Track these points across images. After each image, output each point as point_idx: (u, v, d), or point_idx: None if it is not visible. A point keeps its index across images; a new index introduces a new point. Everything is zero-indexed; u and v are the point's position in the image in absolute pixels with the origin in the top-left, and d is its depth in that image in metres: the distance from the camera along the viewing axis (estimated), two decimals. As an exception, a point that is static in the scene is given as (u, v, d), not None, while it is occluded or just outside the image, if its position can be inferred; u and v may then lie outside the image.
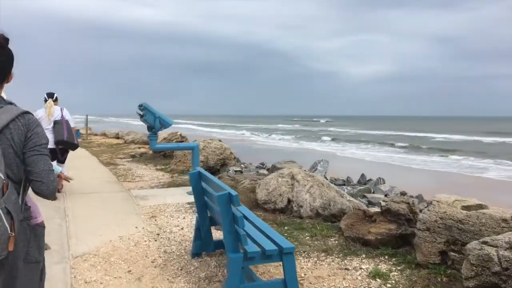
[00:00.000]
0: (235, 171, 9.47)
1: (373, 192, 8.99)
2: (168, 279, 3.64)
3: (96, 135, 24.95)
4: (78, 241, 4.59)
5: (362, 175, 11.80)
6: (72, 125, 6.86)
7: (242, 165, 11.27)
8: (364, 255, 4.14)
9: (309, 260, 4.07)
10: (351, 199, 5.98)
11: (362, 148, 30.28)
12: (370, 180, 11.35)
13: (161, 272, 3.78)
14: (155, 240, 4.66)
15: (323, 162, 10.09)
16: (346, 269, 3.84)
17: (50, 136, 6.41)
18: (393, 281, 3.54)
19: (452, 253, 3.53)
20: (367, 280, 3.59)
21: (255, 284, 3.29)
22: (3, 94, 1.94)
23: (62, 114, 6.77)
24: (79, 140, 7.68)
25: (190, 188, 6.98)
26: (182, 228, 5.12)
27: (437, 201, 3.78)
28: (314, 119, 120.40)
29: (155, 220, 5.48)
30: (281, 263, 3.24)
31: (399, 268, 3.80)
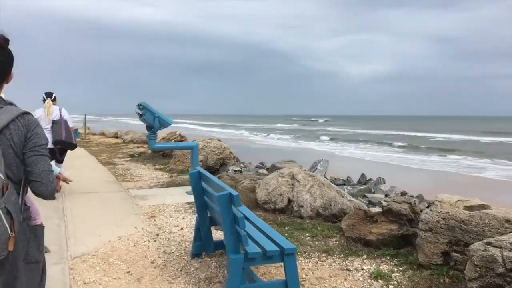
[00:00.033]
0: (235, 170, 9.44)
1: (374, 192, 8.96)
2: (167, 280, 3.60)
3: (94, 134, 24.89)
4: (77, 241, 4.55)
5: (362, 175, 11.77)
6: (70, 124, 6.82)
7: (241, 165, 11.24)
8: (365, 256, 4.11)
9: (310, 261, 4.03)
10: (352, 199, 5.94)
11: (360, 148, 30.28)
12: (370, 180, 11.33)
13: (161, 273, 3.75)
14: (155, 241, 4.62)
15: (323, 161, 10.06)
16: (347, 270, 3.81)
17: (48, 136, 6.37)
18: (395, 282, 3.51)
19: (455, 254, 3.50)
20: (368, 281, 3.56)
21: (256, 285, 3.25)
22: (2, 95, 1.92)
23: (60, 114, 6.73)
24: (77, 139, 7.64)
25: (189, 188, 6.98)
26: (181, 228, 5.08)
27: (440, 201, 3.74)
28: (312, 119, 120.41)
29: (155, 220, 5.44)
30: (282, 263, 3.21)
31: (401, 269, 3.77)
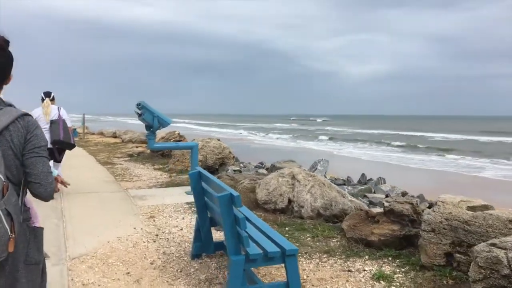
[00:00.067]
0: (234, 170, 9.39)
1: (374, 192, 8.94)
2: (167, 281, 3.56)
3: (93, 134, 24.80)
4: (76, 242, 4.50)
5: (363, 175, 11.75)
6: (69, 124, 6.77)
7: (241, 165, 11.20)
8: (367, 257, 4.07)
9: (311, 262, 3.99)
10: (353, 199, 5.91)
11: (359, 147, 30.29)
12: (370, 179, 11.30)
13: (160, 274, 3.70)
14: (154, 241, 4.57)
15: (323, 161, 10.02)
16: (349, 271, 3.77)
17: (46, 135, 6.32)
18: (398, 284, 3.47)
19: (458, 255, 3.46)
20: (370, 282, 3.52)
21: (257, 287, 3.21)
22: (1, 96, 1.89)
23: (59, 114, 6.68)
24: (75, 139, 7.59)
25: (188, 188, 6.93)
26: (181, 229, 5.03)
27: (442, 202, 3.71)
28: (311, 118, 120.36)
29: (154, 220, 5.39)
30: (283, 265, 3.17)
31: (403, 270, 3.74)
